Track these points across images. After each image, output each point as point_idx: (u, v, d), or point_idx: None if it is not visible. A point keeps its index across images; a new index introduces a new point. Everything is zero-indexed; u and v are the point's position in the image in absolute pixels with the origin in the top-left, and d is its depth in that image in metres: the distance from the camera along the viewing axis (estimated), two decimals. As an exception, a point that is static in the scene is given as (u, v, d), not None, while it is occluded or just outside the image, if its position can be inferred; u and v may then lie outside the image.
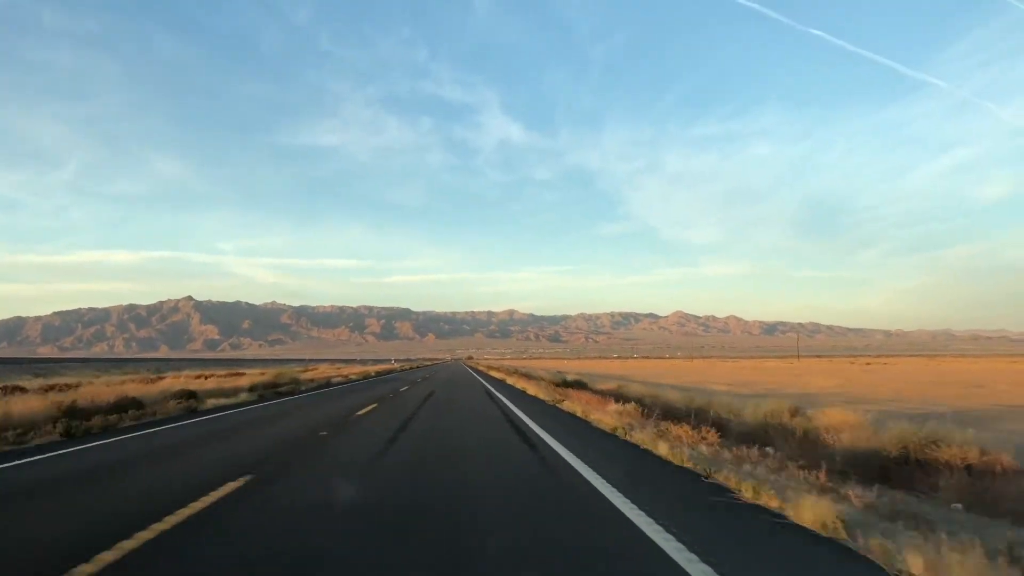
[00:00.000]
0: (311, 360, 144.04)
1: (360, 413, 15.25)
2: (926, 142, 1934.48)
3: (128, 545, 4.26)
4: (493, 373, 51.27)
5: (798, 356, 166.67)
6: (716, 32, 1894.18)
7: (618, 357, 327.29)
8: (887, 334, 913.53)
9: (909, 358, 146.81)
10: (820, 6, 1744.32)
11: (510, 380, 34.57)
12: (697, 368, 71.51)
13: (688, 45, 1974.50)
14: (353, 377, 43.52)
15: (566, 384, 23.82)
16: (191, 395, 17.16)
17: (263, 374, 30.84)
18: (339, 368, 61.76)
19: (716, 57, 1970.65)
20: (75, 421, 11.40)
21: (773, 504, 5.39)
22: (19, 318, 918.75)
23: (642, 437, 9.62)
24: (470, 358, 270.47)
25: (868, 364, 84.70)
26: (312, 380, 33.25)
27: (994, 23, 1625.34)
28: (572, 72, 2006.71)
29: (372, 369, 62.47)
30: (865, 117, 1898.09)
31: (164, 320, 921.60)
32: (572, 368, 62.14)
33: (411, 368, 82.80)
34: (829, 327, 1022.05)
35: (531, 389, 24.28)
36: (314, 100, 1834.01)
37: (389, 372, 60.41)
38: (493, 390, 26.10)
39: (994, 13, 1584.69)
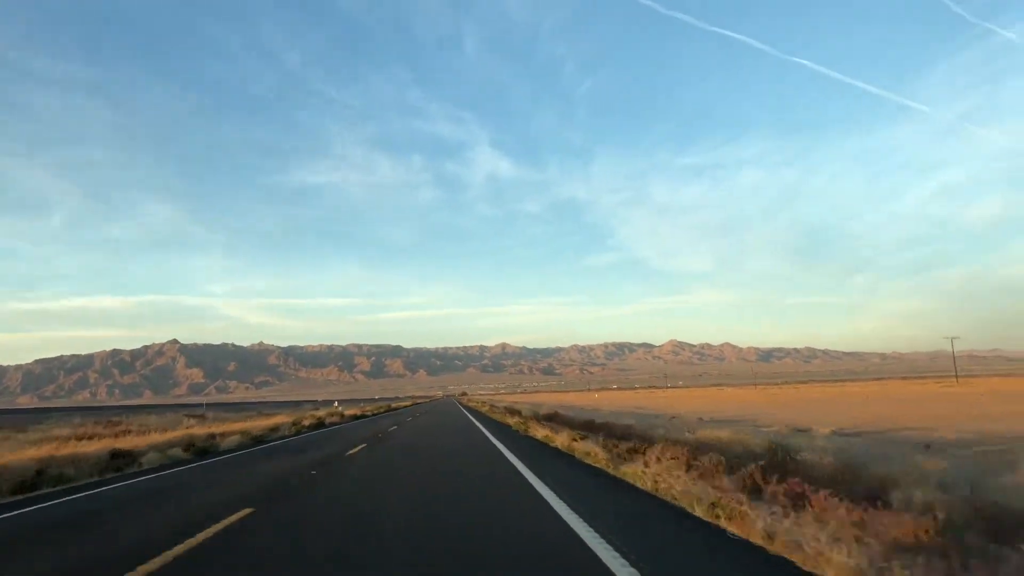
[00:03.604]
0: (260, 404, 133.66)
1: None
2: (913, 166, 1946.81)
3: None
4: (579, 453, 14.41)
5: (956, 377, 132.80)
6: (701, 63, 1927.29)
7: (617, 388, 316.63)
8: (883, 357, 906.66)
9: None
10: (804, 35, 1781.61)
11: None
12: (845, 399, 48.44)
13: (674, 76, 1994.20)
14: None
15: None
16: None
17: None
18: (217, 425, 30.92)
19: (701, 87, 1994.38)
20: None
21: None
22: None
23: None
24: (464, 394, 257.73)
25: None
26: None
27: (976, 48, 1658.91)
28: (560, 106, 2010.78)
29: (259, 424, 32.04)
30: (852, 143, 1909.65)
31: (149, 365, 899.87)
32: (608, 403, 51.18)
33: (347, 417, 48.88)
34: (825, 352, 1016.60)
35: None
36: (305, 140, 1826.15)
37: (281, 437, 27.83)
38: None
39: (976, 38, 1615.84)
